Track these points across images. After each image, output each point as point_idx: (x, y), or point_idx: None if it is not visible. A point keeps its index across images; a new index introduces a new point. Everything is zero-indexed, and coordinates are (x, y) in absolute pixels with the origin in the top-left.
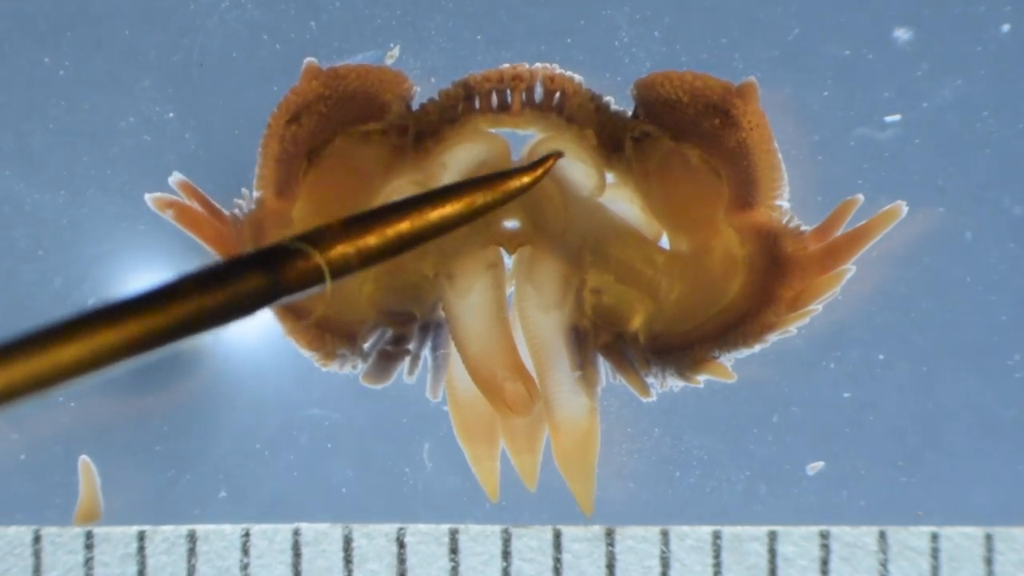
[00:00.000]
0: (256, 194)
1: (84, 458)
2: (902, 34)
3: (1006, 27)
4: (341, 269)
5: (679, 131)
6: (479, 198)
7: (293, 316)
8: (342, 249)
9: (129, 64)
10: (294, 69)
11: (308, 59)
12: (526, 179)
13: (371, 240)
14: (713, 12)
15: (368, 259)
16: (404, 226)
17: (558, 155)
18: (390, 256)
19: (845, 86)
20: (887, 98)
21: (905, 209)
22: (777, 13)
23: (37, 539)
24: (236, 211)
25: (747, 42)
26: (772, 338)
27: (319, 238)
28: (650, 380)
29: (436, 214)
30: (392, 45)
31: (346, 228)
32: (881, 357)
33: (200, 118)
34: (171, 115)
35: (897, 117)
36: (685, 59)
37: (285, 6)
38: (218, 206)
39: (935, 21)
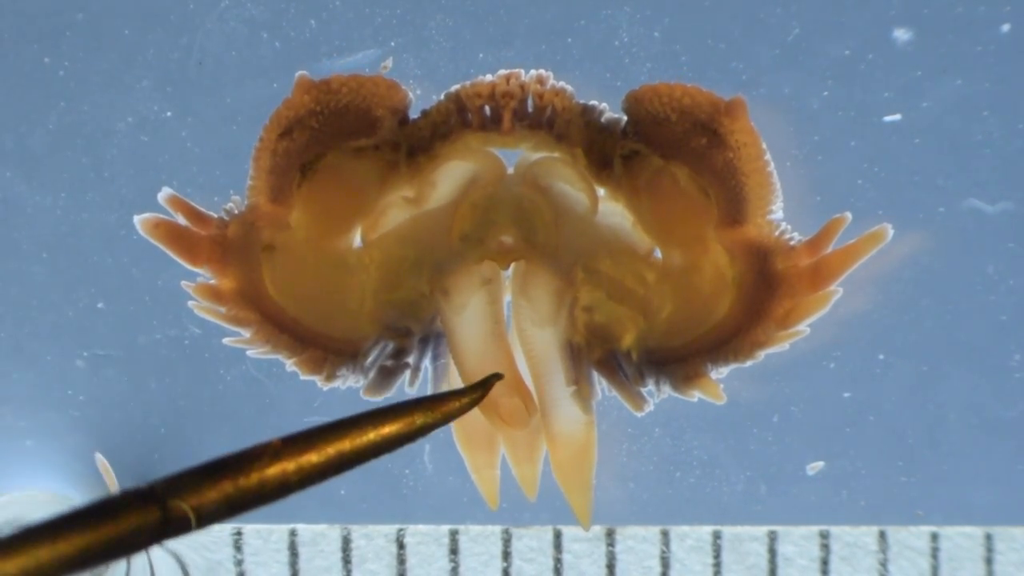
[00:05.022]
0: (248, 201)
1: (100, 457)
2: (902, 34)
3: (1006, 27)
4: (278, 490)
5: (668, 149)
6: (418, 418)
7: (292, 345)
8: (281, 467)
9: (128, 64)
10: (294, 68)
11: (300, 72)
12: (465, 401)
13: (312, 458)
14: (713, 12)
15: (308, 479)
16: (344, 445)
17: (497, 377)
18: (330, 475)
19: (845, 86)
20: (887, 98)
21: (891, 232)
22: (777, 13)
23: None
24: (223, 214)
25: (747, 42)
26: (763, 354)
27: (260, 453)
28: (646, 391)
29: (375, 434)
30: (384, 62)
31: (286, 446)
32: (881, 357)
33: (198, 116)
34: (168, 114)
35: (897, 117)
36: (685, 59)
37: (285, 4)
38: (204, 212)
39: (935, 21)
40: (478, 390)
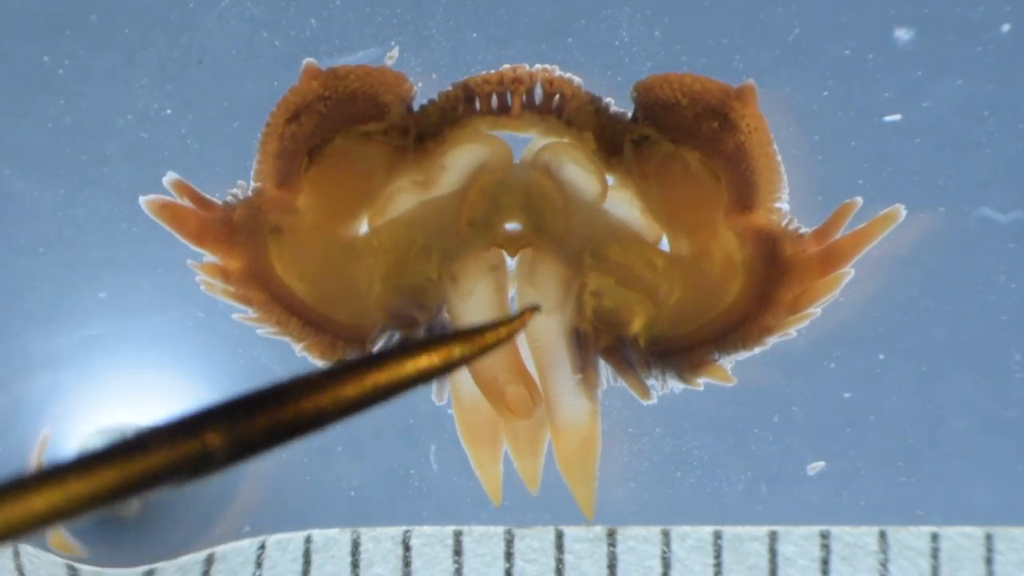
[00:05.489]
0: (254, 185)
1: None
2: (902, 34)
3: (1006, 27)
4: (317, 420)
5: (678, 134)
6: (456, 351)
7: (301, 328)
8: (317, 400)
9: (128, 61)
10: (293, 66)
11: (307, 59)
12: (503, 332)
13: (348, 391)
14: (713, 12)
15: (345, 410)
16: (381, 377)
17: (534, 308)
18: (366, 408)
19: (845, 86)
20: (887, 98)
21: (904, 212)
22: (777, 13)
23: None
24: (229, 198)
25: (747, 42)
26: (771, 341)
27: (293, 389)
28: (651, 383)
29: (412, 366)
30: (392, 45)
31: (322, 379)
32: (881, 357)
33: (198, 114)
34: (168, 112)
35: (897, 117)
36: (685, 59)
37: (285, 3)
38: (208, 197)
39: (935, 21)
40: (515, 320)
